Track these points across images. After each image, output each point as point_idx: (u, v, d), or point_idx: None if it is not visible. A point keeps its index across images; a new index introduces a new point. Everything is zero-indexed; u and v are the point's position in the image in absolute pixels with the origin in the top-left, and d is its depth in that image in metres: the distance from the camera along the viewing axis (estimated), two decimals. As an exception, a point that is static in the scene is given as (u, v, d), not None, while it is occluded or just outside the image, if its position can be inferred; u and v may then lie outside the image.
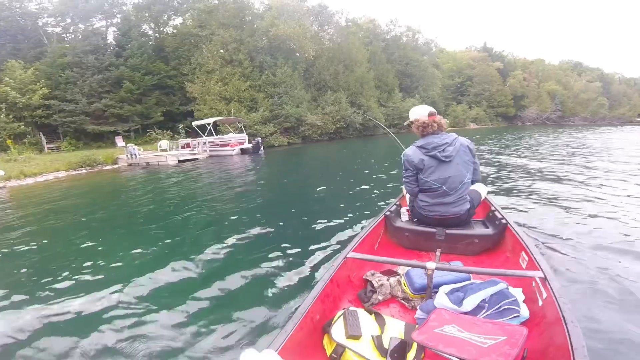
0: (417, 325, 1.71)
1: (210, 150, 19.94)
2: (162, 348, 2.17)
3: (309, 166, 14.81)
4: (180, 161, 17.44)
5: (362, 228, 3.63)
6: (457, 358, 1.28)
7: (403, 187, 3.08)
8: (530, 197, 5.65)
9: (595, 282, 2.59)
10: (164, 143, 21.23)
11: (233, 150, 19.56)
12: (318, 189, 7.49)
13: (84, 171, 16.06)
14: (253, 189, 8.82)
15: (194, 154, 19.14)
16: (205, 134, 20.55)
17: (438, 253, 2.57)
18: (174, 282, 3.17)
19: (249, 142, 20.36)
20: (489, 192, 3.27)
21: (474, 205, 2.73)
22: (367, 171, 10.18)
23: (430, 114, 2.69)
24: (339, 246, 3.67)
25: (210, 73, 26.17)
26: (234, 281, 3.05)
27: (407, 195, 2.98)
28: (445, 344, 1.35)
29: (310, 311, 1.68)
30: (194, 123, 21.54)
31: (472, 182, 2.75)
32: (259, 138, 21.10)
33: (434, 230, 2.69)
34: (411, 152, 2.68)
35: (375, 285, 2.17)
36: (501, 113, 50.81)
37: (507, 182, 7.15)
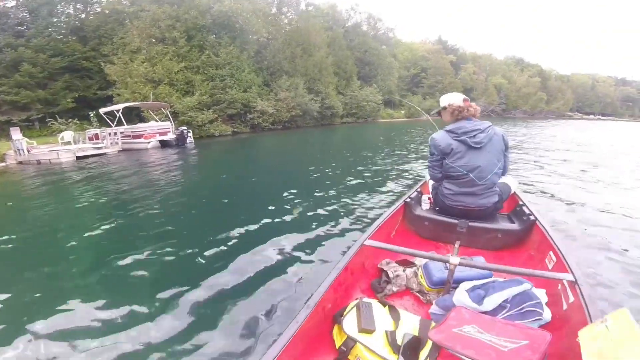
0: (432, 321, 1.53)
1: (122, 143, 15.11)
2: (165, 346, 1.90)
3: (253, 161, 11.53)
4: (79, 157, 12.65)
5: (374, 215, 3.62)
6: None
7: (426, 172, 2.87)
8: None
9: (629, 290, 2.31)
10: (67, 134, 16.07)
11: (148, 142, 14.79)
12: (263, 190, 6.18)
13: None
14: (172, 190, 6.45)
15: (99, 148, 14.24)
16: (115, 123, 15.57)
17: (457, 245, 1.87)
18: (181, 273, 2.80)
19: (174, 133, 15.73)
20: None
21: (502, 199, 2.39)
22: (328, 168, 8.02)
23: (465, 100, 2.40)
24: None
25: (136, 53, 20.57)
26: (234, 279, 2.65)
27: (430, 183, 2.69)
28: (463, 345, 1.21)
29: (323, 299, 1.50)
30: (101, 110, 16.33)
31: (502, 175, 2.41)
32: (184, 128, 16.44)
33: (456, 221, 2.38)
34: (439, 136, 2.36)
35: (391, 275, 1.95)
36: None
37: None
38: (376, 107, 32.29)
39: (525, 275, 1.56)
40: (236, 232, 3.71)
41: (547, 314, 1.51)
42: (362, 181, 6.23)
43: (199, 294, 2.47)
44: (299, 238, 3.43)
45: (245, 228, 3.82)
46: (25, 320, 2.27)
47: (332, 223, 3.84)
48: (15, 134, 16.97)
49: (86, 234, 4.00)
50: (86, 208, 5.39)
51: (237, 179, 7.46)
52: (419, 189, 3.04)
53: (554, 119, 42.56)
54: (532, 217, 2.34)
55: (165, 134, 15.60)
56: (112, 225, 4.37)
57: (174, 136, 15.48)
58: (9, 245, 3.83)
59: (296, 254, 3.07)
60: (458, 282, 1.74)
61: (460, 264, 1.62)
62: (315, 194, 5.37)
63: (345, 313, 1.52)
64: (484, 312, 1.51)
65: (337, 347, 1.45)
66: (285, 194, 5.32)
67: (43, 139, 17.02)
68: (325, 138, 19.36)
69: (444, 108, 2.43)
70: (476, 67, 55.23)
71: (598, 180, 6.12)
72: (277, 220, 4.09)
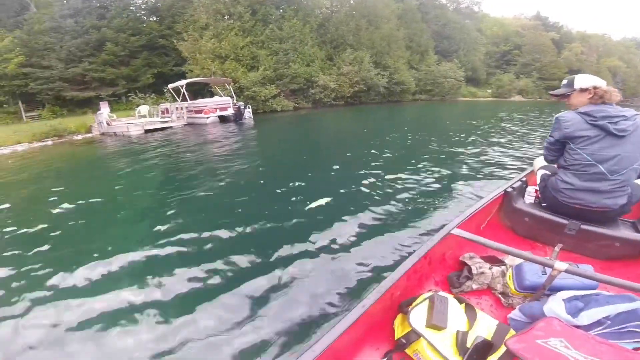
0: (510, 327, 1.31)
1: (187, 117, 14.67)
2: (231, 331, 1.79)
3: (312, 140, 9.93)
4: (147, 131, 12.55)
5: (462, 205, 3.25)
6: None
7: (536, 160, 2.43)
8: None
9: None
10: (144, 108, 16.40)
11: (207, 117, 13.94)
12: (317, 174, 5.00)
13: (50, 143, 12.16)
14: (220, 166, 5.84)
15: (166, 122, 14.02)
16: (180, 98, 15.17)
17: (557, 249, 1.80)
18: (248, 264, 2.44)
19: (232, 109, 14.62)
20: None
21: (631, 202, 1.85)
22: (402, 148, 6.93)
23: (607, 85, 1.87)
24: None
25: (205, 29, 19.88)
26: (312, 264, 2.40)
27: (540, 173, 2.16)
28: (542, 359, 1.00)
29: (395, 286, 1.37)
30: (170, 85, 15.96)
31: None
32: (242, 103, 15.19)
33: (565, 221, 1.93)
34: (569, 116, 1.86)
35: (474, 271, 1.69)
36: (553, 87, 39.36)
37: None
38: (456, 84, 27.04)
39: None
40: (301, 208, 3.46)
41: None
42: (448, 167, 5.17)
43: (266, 270, 2.32)
44: (376, 221, 3.09)
45: (312, 204, 3.50)
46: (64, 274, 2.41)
47: (411, 208, 3.38)
48: (104, 107, 18.03)
49: (135, 204, 4.12)
50: (138, 180, 5.47)
51: (296, 155, 6.74)
52: (524, 179, 2.48)
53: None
54: None
55: (225, 109, 14.63)
56: (158, 198, 4.28)
57: (232, 112, 14.41)
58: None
59: (371, 237, 2.76)
60: (553, 289, 1.45)
61: (567, 271, 1.29)
62: (388, 175, 4.65)
63: (414, 304, 1.34)
64: (577, 327, 1.26)
65: (395, 338, 1.32)
66: (354, 172, 4.89)
67: (126, 112, 17.53)
68: (394, 116, 16.20)
69: (584, 90, 1.87)
70: (585, 47, 45.01)
71: None
72: (349, 198, 3.72)
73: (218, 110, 14.48)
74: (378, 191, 3.93)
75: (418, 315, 1.28)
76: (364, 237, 2.74)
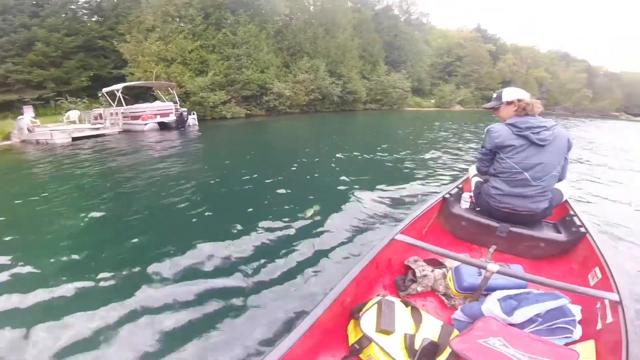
0: (454, 328, 1.41)
1: (123, 124, 13.58)
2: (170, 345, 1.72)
3: (262, 146, 9.69)
4: (76, 138, 11.29)
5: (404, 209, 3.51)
6: None
7: (470, 168, 2.57)
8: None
9: None
10: (73, 114, 14.92)
11: (145, 124, 13.10)
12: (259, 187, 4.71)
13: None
14: (155, 179, 5.36)
15: (97, 129, 12.78)
16: (115, 103, 14.03)
17: (491, 250, 1.72)
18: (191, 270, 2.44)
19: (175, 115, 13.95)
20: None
21: (552, 205, 2.11)
22: (354, 156, 7.13)
23: (531, 97, 2.11)
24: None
25: (150, 31, 18.80)
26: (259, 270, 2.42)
27: (474, 180, 2.36)
28: (485, 358, 1.10)
29: (344, 293, 1.37)
30: (104, 89, 14.68)
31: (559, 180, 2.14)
32: (184, 109, 14.53)
33: (496, 224, 2.12)
34: (499, 128, 2.07)
35: (418, 274, 1.78)
36: (488, 97, 43.28)
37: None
38: (403, 95, 28.81)
39: (567, 290, 1.37)
40: (246, 219, 3.37)
41: (577, 332, 1.37)
42: (392, 173, 5.52)
43: (214, 284, 2.26)
44: (324, 228, 3.14)
45: (257, 217, 3.44)
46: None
47: (360, 215, 3.49)
48: (28, 112, 16.07)
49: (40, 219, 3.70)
50: (55, 194, 4.68)
51: (239, 166, 6.22)
52: (459, 186, 2.66)
53: (598, 119, 37.40)
54: (582, 229, 2.04)
55: (166, 115, 13.75)
56: (74, 218, 3.71)
57: (174, 118, 13.65)
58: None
59: (320, 245, 2.79)
60: (489, 289, 1.57)
61: (499, 272, 1.43)
62: (338, 182, 4.81)
63: (364, 309, 1.40)
64: (513, 324, 1.38)
65: (349, 344, 1.34)
66: (301, 180, 4.91)
67: (55, 117, 15.90)
68: (347, 125, 16.91)
69: (510, 102, 2.08)
70: (517, 58, 49.61)
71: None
72: (295, 208, 3.71)
73: (158, 116, 13.52)
74: (325, 199, 3.98)
75: (368, 320, 1.33)
76: (312, 247, 2.74)
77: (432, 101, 35.09)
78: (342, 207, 3.72)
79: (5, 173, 6.80)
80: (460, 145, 9.34)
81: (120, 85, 14.08)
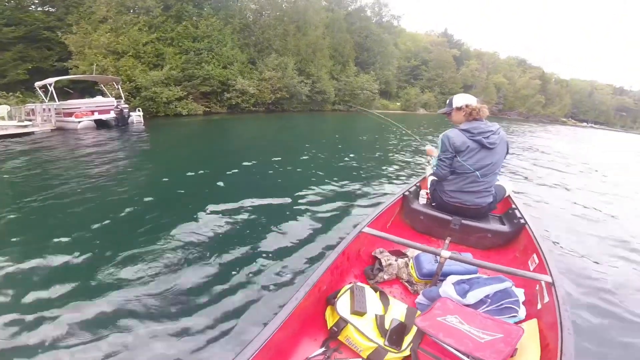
0: (417, 310, 1.53)
1: (56, 121, 11.87)
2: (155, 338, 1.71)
3: (220, 146, 9.08)
4: None
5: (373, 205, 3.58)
6: (454, 349, 1.18)
7: (427, 168, 2.82)
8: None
9: (601, 292, 2.35)
10: (2, 109, 12.94)
11: (79, 121, 11.51)
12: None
13: None
14: (84, 186, 4.52)
15: (25, 127, 11.04)
16: (48, 98, 12.27)
17: (447, 241, 1.89)
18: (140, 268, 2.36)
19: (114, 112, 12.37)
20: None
21: (496, 200, 2.33)
22: (319, 156, 7.06)
23: (478, 101, 2.27)
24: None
25: (102, 22, 16.73)
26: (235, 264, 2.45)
27: (430, 178, 2.51)
28: (445, 334, 1.23)
29: (320, 281, 1.45)
30: (37, 83, 12.88)
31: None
32: (125, 106, 12.91)
33: (449, 218, 2.30)
34: (454, 134, 2.17)
35: (384, 263, 1.90)
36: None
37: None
38: (371, 96, 28.33)
39: (508, 273, 1.51)
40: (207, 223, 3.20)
41: (522, 312, 1.49)
42: (358, 172, 5.62)
43: (192, 279, 2.25)
44: (292, 224, 3.21)
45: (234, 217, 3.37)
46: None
47: (325, 213, 3.54)
48: None
49: None
50: None
51: (197, 169, 5.61)
52: (418, 184, 2.82)
53: (548, 124, 39.61)
54: (522, 221, 2.24)
55: (106, 112, 12.19)
56: None
57: (114, 115, 12.09)
58: None
59: (289, 240, 2.85)
60: (445, 275, 1.70)
61: (451, 258, 1.55)
62: (309, 181, 4.83)
63: (339, 295, 1.47)
64: (467, 305, 1.50)
65: (328, 328, 1.41)
66: (268, 182, 4.83)
67: None
68: (315, 124, 16.25)
69: (459, 108, 2.24)
70: (479, 64, 50.84)
71: (589, 190, 5.83)
72: (270, 204, 3.75)
73: (96, 113, 12.02)
74: (288, 198, 3.95)
75: (343, 304, 1.41)
76: (283, 242, 2.80)
77: (398, 104, 34.99)
78: (307, 206, 3.70)
79: None
80: (419, 145, 9.68)
81: (52, 79, 12.27)
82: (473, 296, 1.52)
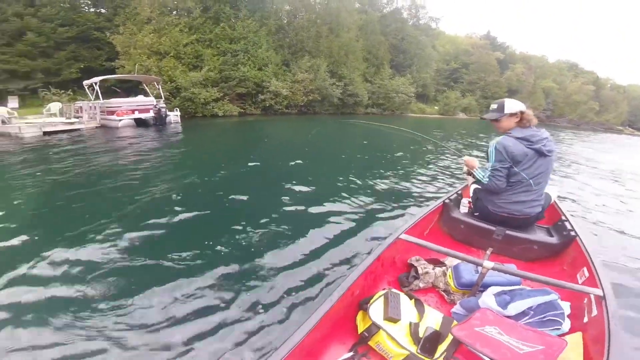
0: (453, 319, 1.45)
1: (101, 119, 12.47)
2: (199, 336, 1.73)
3: (253, 147, 8.70)
4: (47, 133, 10.31)
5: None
6: (491, 359, 1.13)
7: (470, 176, 2.57)
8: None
9: None
10: (54, 106, 13.82)
11: (120, 120, 11.94)
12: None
13: None
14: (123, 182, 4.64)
15: (72, 123, 11.66)
16: (94, 97, 12.87)
17: (489, 252, 1.87)
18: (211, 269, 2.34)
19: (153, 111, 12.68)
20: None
21: (543, 209, 2.17)
22: (356, 160, 7.10)
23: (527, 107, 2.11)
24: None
25: (146, 23, 17.46)
26: (279, 263, 2.45)
27: (472, 187, 2.40)
28: (482, 344, 1.18)
29: (354, 285, 1.44)
30: (85, 82, 13.51)
31: None
32: (163, 105, 13.19)
33: (493, 228, 2.17)
34: (511, 143, 2.00)
35: (420, 271, 1.86)
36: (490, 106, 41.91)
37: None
38: (407, 100, 27.16)
39: (556, 286, 1.43)
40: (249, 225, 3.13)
41: (566, 325, 1.43)
42: (393, 177, 5.47)
43: (222, 277, 2.26)
44: (328, 229, 3.12)
45: (273, 215, 3.38)
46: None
47: (364, 216, 3.50)
48: (12, 102, 15.32)
49: None
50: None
51: (227, 170, 5.63)
52: (459, 192, 2.76)
53: (602, 132, 35.65)
54: (572, 233, 2.12)
55: (146, 111, 12.57)
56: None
57: (152, 115, 12.39)
58: None
59: (326, 244, 2.81)
60: (486, 286, 1.64)
61: (494, 269, 1.50)
62: (342, 185, 4.73)
63: (372, 301, 1.44)
64: (507, 317, 1.44)
65: (359, 332, 1.39)
66: (304, 185, 4.60)
67: (40, 109, 14.77)
68: (347, 127, 15.58)
69: (513, 114, 2.05)
70: (525, 68, 47.49)
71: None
72: (304, 207, 3.67)
73: (136, 112, 12.42)
74: (325, 202, 3.86)
75: (376, 310, 1.38)
76: (317, 246, 2.75)
77: (436, 108, 33.30)
78: (341, 210, 3.63)
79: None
80: (463, 152, 8.94)
81: (97, 78, 12.93)
82: (514, 308, 1.47)
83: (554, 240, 2.14)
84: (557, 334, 1.37)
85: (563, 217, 2.35)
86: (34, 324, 1.81)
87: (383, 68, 26.98)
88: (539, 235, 2.17)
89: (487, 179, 2.11)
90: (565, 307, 1.47)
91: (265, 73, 19.30)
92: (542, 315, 1.43)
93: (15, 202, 3.80)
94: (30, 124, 10.83)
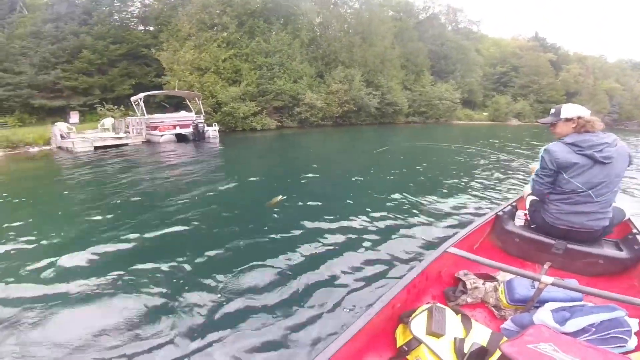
0: (503, 336, 1.33)
1: (147, 134, 12.66)
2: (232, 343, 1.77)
3: (285, 168, 8.07)
4: (97, 147, 10.71)
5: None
6: None
7: (525, 187, 2.54)
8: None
9: None
10: (108, 121, 14.60)
11: (162, 135, 11.95)
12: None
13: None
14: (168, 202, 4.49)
15: (120, 138, 12.01)
16: (139, 112, 13.13)
17: (546, 266, 1.84)
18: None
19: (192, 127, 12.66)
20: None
21: (612, 224, 1.98)
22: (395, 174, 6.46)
23: (591, 114, 1.95)
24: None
25: (187, 39, 17.97)
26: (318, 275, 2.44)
27: (529, 199, 2.27)
28: None
29: (395, 298, 1.41)
30: (132, 98, 13.92)
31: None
32: (201, 121, 13.06)
33: (552, 241, 2.02)
34: (557, 148, 1.91)
35: (469, 286, 1.77)
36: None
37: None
38: (452, 107, 25.08)
39: (624, 302, 1.28)
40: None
41: (632, 343, 1.30)
42: (440, 188, 5.23)
43: (266, 287, 2.28)
44: (372, 240, 3.09)
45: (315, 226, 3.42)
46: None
47: (409, 227, 3.44)
48: (73, 117, 16.52)
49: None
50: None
51: (262, 185, 5.63)
52: (513, 204, 2.57)
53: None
54: None
55: (187, 126, 12.60)
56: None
57: (191, 130, 12.34)
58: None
59: (370, 254, 2.81)
60: (542, 302, 1.53)
61: (554, 284, 1.38)
62: (379, 198, 4.63)
63: (414, 315, 1.40)
64: (565, 334, 1.31)
65: (397, 346, 1.36)
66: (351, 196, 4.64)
67: (96, 124, 15.67)
68: (386, 136, 14.61)
69: (569, 119, 1.92)
70: (582, 68, 43.06)
71: None
72: (352, 218, 3.63)
73: (178, 127, 12.45)
74: (371, 214, 3.77)
75: (418, 324, 1.32)
76: (360, 257, 2.71)
77: (485, 114, 30.55)
78: (386, 223, 3.54)
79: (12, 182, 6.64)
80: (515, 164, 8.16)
81: (142, 95, 13.22)
82: (574, 324, 1.33)
83: (623, 254, 1.94)
84: (621, 351, 1.25)
85: (634, 230, 2.09)
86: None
87: (423, 75, 25.38)
88: (606, 249, 1.98)
89: (531, 183, 2.09)
90: (633, 324, 1.33)
91: (300, 85, 18.77)
92: (605, 333, 1.29)
93: (53, 209, 4.28)
94: (85, 139, 11.39)
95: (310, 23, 21.06)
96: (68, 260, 2.71)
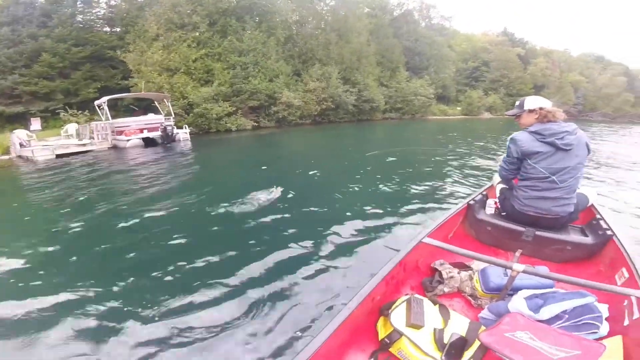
0: (481, 325, 1.39)
1: (112, 139, 11.98)
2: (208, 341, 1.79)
3: (260, 164, 7.91)
4: (59, 155, 9.95)
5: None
6: None
7: (494, 176, 2.58)
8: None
9: None
10: (71, 127, 13.75)
11: (128, 139, 11.35)
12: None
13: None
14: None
15: (84, 145, 11.28)
16: (104, 117, 12.44)
17: (517, 254, 1.71)
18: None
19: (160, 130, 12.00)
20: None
21: (577, 210, 2.08)
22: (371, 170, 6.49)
23: (552, 105, 2.10)
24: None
25: (155, 40, 17.25)
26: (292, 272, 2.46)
27: (499, 187, 2.33)
28: (512, 350, 1.10)
29: (374, 291, 1.41)
30: (96, 102, 13.20)
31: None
32: (170, 123, 12.45)
33: (522, 229, 2.09)
34: (522, 137, 2.04)
35: (445, 276, 1.80)
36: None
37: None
38: (426, 102, 25.60)
39: (593, 288, 1.32)
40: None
41: (604, 329, 1.36)
42: (415, 181, 5.27)
43: (241, 287, 2.32)
44: (353, 230, 3.20)
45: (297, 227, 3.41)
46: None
47: (388, 219, 3.55)
48: (35, 124, 15.42)
49: None
50: None
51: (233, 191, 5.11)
52: (484, 192, 2.62)
53: None
54: (609, 232, 2.01)
55: (155, 129, 11.92)
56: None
57: (159, 133, 11.66)
58: None
59: (349, 246, 2.89)
60: (515, 289, 1.56)
61: (525, 272, 1.40)
62: (363, 192, 4.79)
63: (394, 307, 1.41)
64: (540, 321, 1.36)
65: (379, 339, 1.37)
66: (328, 191, 4.81)
67: (59, 130, 14.69)
68: (364, 135, 14.57)
69: (532, 111, 2.07)
70: (548, 62, 45.04)
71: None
72: (328, 212, 3.85)
73: (145, 131, 11.83)
74: (345, 208, 3.86)
75: (398, 316, 1.34)
76: (337, 250, 2.77)
77: (459, 108, 31.38)
78: (361, 215, 3.65)
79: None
80: (485, 153, 8.48)
81: (106, 98, 12.48)
82: (548, 311, 1.37)
83: (588, 240, 2.01)
84: (594, 338, 1.30)
85: (598, 216, 2.18)
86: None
87: (399, 71, 25.73)
88: (572, 235, 2.05)
89: (498, 169, 2.22)
90: (603, 310, 1.39)
91: (277, 84, 18.52)
92: (578, 319, 1.34)
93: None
94: (46, 146, 10.57)
95: (285, 21, 20.79)
96: (17, 276, 2.58)
